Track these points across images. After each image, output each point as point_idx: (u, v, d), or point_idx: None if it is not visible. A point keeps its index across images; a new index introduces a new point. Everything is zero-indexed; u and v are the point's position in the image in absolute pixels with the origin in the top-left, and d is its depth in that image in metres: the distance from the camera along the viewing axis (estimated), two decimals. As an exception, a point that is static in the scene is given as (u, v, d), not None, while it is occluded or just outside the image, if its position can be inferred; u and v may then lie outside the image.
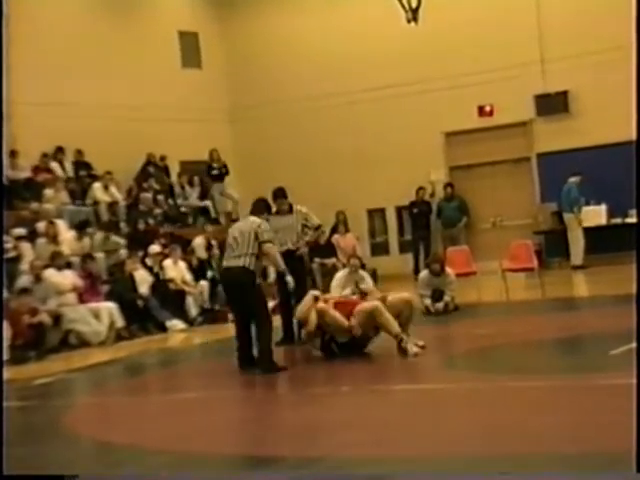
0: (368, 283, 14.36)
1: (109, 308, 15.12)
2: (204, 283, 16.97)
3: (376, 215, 22.70)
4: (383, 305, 10.15)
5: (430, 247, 20.75)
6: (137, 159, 20.63)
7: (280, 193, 12.07)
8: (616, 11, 16.88)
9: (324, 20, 22.36)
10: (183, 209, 20.63)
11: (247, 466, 6.15)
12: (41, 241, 16.19)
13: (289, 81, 22.60)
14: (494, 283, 15.50)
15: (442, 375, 9.07)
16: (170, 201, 20.61)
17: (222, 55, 23.48)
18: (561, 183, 19.35)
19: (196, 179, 21.35)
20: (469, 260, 15.79)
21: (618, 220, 19.26)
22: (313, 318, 10.29)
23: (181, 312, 16.26)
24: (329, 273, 17.15)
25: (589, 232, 19.10)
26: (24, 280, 14.62)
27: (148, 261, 16.89)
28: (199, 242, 18.31)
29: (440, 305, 13.77)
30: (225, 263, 10.13)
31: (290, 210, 11.97)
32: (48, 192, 17.98)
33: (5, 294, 13.77)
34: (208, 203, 21.17)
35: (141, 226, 18.50)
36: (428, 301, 13.82)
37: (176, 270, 16.80)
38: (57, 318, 14.36)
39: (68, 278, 15.07)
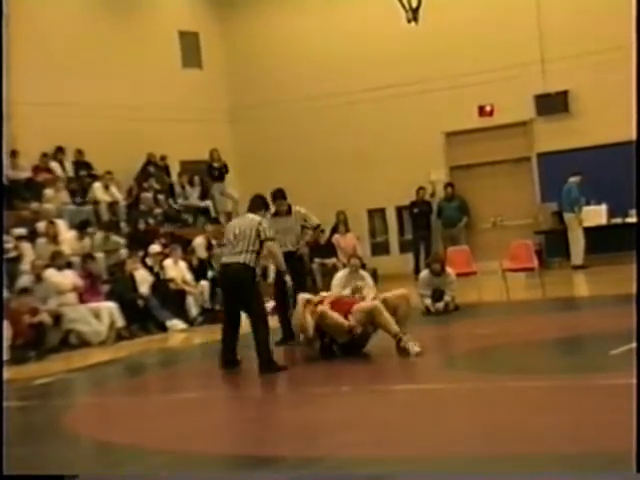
0: (368, 283, 14.39)
1: (109, 308, 15.13)
2: (204, 283, 16.97)
3: (376, 215, 22.70)
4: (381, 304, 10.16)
5: (431, 247, 20.75)
6: (137, 159, 20.64)
7: (279, 194, 12.06)
8: (616, 11, 16.88)
9: (324, 20, 22.36)
10: (176, 206, 20.57)
11: (247, 466, 6.14)
12: (41, 241, 16.20)
13: (289, 81, 22.60)
14: (494, 283, 15.50)
15: (442, 375, 9.07)
16: (171, 201, 20.61)
17: (222, 55, 23.48)
18: (561, 183, 19.34)
19: (196, 179, 21.36)
20: (469, 260, 15.79)
21: (618, 220, 19.26)
22: (310, 323, 10.27)
23: (181, 312, 16.26)
24: (329, 273, 17.15)
25: (589, 232, 19.10)
26: (24, 280, 14.63)
27: (148, 261, 16.89)
28: (199, 242, 18.31)
29: (440, 305, 13.76)
30: (224, 259, 10.09)
31: (289, 211, 11.96)
32: (48, 192, 17.99)
33: (5, 294, 13.78)
34: (208, 203, 21.17)
35: (141, 226, 18.50)
36: (428, 301, 13.82)
37: (176, 270, 16.81)
38: (57, 318, 14.37)
39: (68, 278, 15.08)
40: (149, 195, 19.77)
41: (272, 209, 12.01)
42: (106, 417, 8.92)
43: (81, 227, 17.23)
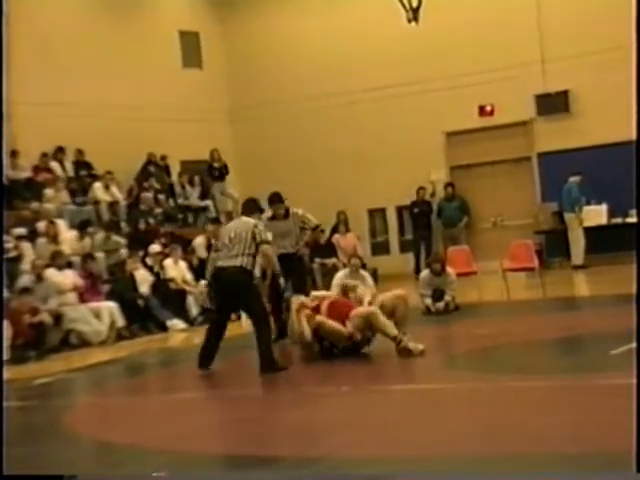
0: (368, 283, 14.39)
1: (110, 308, 15.14)
2: (205, 283, 16.95)
3: (377, 215, 22.70)
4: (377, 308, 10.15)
5: (431, 247, 20.75)
6: (138, 159, 20.64)
7: (276, 198, 12.06)
8: (616, 11, 16.86)
9: (324, 20, 22.36)
10: (172, 204, 20.56)
11: (247, 466, 6.14)
12: (41, 241, 16.21)
13: (289, 81, 22.60)
14: (495, 283, 15.49)
15: (443, 375, 9.06)
16: (171, 201, 20.61)
17: (223, 55, 23.49)
18: (562, 183, 19.34)
19: (197, 179, 21.36)
20: (470, 260, 15.79)
21: (619, 220, 19.26)
22: (307, 329, 10.24)
23: (182, 312, 16.26)
24: (329, 273, 17.15)
25: (590, 232, 19.10)
26: (25, 280, 14.63)
27: (149, 261, 16.90)
28: (200, 242, 18.31)
29: (441, 305, 13.76)
30: (221, 263, 9.97)
31: (287, 214, 11.95)
32: (48, 192, 17.99)
33: (6, 293, 13.79)
34: (209, 202, 21.17)
35: (142, 226, 18.51)
36: (429, 301, 13.81)
37: (177, 270, 16.81)
38: (58, 318, 14.39)
39: (69, 278, 15.09)
40: (149, 195, 19.77)
41: (269, 213, 12.04)
42: (106, 417, 8.92)
43: (81, 227, 17.24)
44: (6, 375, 10.78)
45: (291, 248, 11.89)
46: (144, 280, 16.23)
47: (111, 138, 19.74)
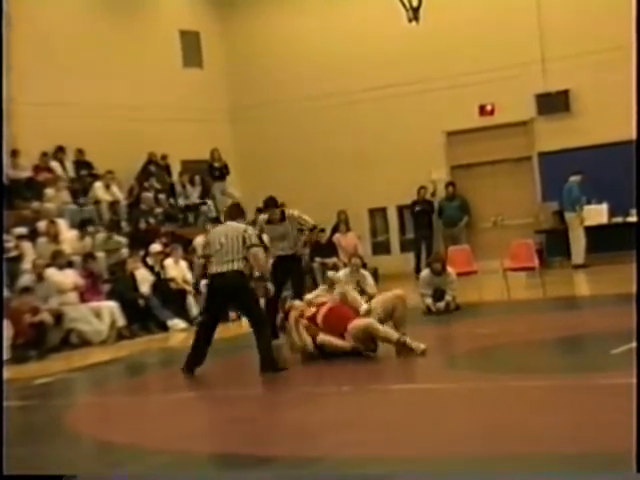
0: (369, 282, 14.39)
1: (110, 307, 15.14)
2: (205, 282, 16.93)
3: (377, 214, 22.70)
4: (373, 314, 10.13)
5: (432, 246, 20.74)
6: (138, 158, 20.64)
7: (271, 203, 12.08)
8: (616, 11, 16.86)
9: (324, 20, 22.36)
10: (181, 201, 20.57)
11: (246, 466, 6.14)
12: (42, 240, 16.21)
13: (290, 81, 22.60)
14: (495, 282, 15.49)
15: (443, 375, 9.06)
16: (171, 200, 20.61)
17: (223, 55, 23.49)
18: (562, 182, 19.33)
19: (197, 178, 21.36)
20: (470, 259, 15.79)
21: (619, 219, 19.26)
22: (308, 340, 10.22)
23: (182, 311, 16.26)
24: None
25: (590, 231, 19.10)
26: (25, 279, 14.63)
27: (149, 260, 16.90)
28: (200, 241, 18.25)
29: (441, 304, 13.75)
30: (217, 269, 9.96)
31: (283, 217, 11.97)
32: (49, 191, 17.99)
33: (6, 293, 13.80)
34: (209, 202, 21.17)
35: (142, 225, 18.51)
36: (429, 300, 13.81)
37: (177, 269, 16.80)
38: (58, 317, 14.39)
39: (69, 277, 15.10)
40: (150, 194, 19.77)
41: (265, 216, 12.08)
42: (107, 417, 8.92)
43: (81, 225, 17.25)
44: (7, 375, 10.78)
45: (289, 250, 11.92)
46: (145, 280, 16.23)
47: (111, 138, 19.74)
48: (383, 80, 21.30)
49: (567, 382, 7.77)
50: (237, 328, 13.99)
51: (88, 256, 15.98)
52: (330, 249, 19.32)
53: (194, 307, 16.41)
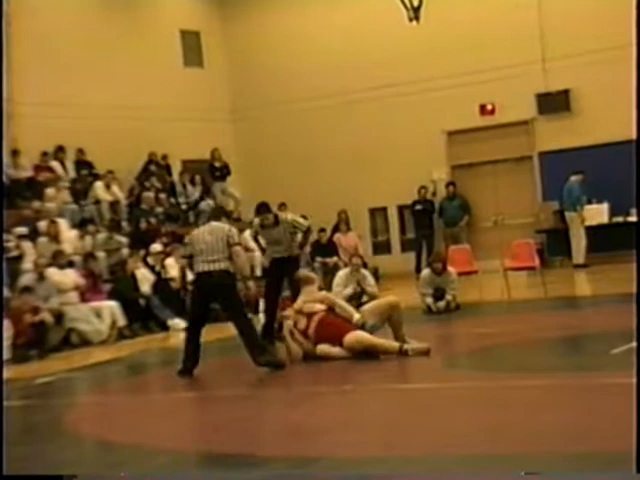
0: (369, 282, 14.40)
1: (111, 307, 15.15)
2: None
3: (378, 214, 22.70)
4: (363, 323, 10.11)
5: (433, 246, 20.72)
6: (139, 158, 20.63)
7: (263, 209, 12.13)
8: (617, 10, 16.86)
9: (325, 19, 22.36)
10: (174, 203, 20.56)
11: (246, 465, 6.14)
12: (42, 240, 16.21)
13: (291, 80, 22.59)
14: (496, 282, 15.47)
15: (443, 374, 9.06)
16: (172, 200, 20.61)
17: (224, 54, 23.48)
18: (563, 182, 19.33)
19: (198, 178, 21.35)
20: (471, 259, 15.79)
21: (620, 219, 19.25)
22: (307, 344, 10.22)
23: (183, 311, 16.21)
24: (331, 272, 17.18)
25: (591, 231, 19.10)
26: (26, 279, 14.63)
27: (150, 260, 16.90)
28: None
29: (442, 304, 13.75)
30: (203, 267, 10.01)
31: (276, 222, 12.00)
32: (49, 191, 17.99)
33: (7, 293, 13.80)
34: (210, 202, 21.16)
35: (143, 225, 18.50)
36: (430, 300, 13.81)
37: (178, 269, 16.79)
38: (59, 317, 14.39)
39: (70, 277, 15.10)
40: (150, 194, 19.76)
41: (257, 221, 12.17)
42: (107, 416, 8.91)
43: (82, 225, 17.25)
44: (7, 374, 10.79)
45: (285, 252, 11.99)
46: (145, 279, 16.23)
47: (112, 137, 19.74)
48: (384, 80, 21.29)
49: (567, 382, 7.77)
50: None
51: (89, 256, 15.99)
52: (331, 249, 19.33)
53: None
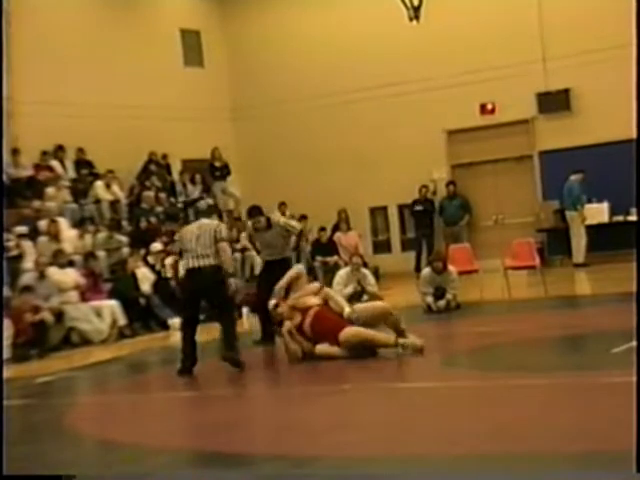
0: (370, 281, 14.41)
1: (111, 306, 15.15)
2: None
3: (378, 213, 22.69)
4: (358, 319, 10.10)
5: (433, 245, 20.73)
6: (139, 157, 20.63)
7: (255, 212, 12.18)
8: (617, 9, 16.85)
9: (326, 19, 22.36)
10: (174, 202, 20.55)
11: (246, 465, 6.14)
12: (43, 239, 16.21)
13: (291, 79, 22.58)
14: (496, 281, 15.47)
15: (443, 373, 9.06)
16: (172, 199, 20.61)
17: (224, 53, 23.48)
18: (563, 181, 19.32)
19: (198, 177, 21.35)
20: (471, 258, 15.79)
21: (620, 218, 19.25)
22: (307, 345, 10.22)
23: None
24: (331, 271, 17.19)
25: (591, 230, 19.09)
26: (26, 278, 14.64)
27: (150, 259, 16.91)
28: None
29: (442, 303, 13.75)
30: (194, 263, 10.09)
31: (269, 225, 12.03)
32: (50, 190, 17.99)
33: (7, 292, 13.80)
34: (210, 201, 21.15)
35: (143, 224, 18.50)
36: (430, 299, 13.81)
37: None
38: (59, 316, 14.39)
39: (70, 276, 15.10)
40: (151, 193, 19.75)
41: (250, 224, 12.20)
42: (107, 416, 8.92)
43: (82, 224, 17.25)
44: (7, 373, 10.78)
45: (278, 255, 12.03)
46: (145, 278, 16.24)
47: (112, 137, 19.74)
48: (384, 79, 21.29)
49: (567, 381, 7.77)
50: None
51: (89, 255, 15.99)
52: (331, 248, 19.34)
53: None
